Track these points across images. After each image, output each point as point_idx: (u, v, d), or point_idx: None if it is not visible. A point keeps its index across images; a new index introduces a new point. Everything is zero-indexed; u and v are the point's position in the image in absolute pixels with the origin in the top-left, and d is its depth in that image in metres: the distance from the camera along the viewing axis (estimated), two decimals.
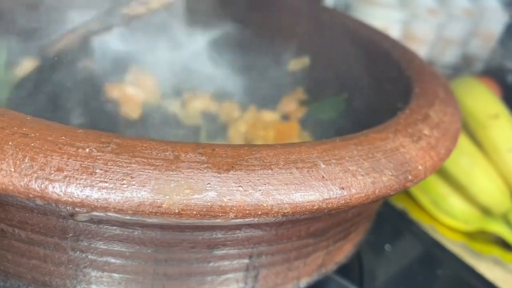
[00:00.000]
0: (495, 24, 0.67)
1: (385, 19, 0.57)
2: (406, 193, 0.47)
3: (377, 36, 0.37)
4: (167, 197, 0.16)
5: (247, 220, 0.17)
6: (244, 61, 0.43)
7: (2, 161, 0.15)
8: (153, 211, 0.16)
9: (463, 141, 0.44)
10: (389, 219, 0.44)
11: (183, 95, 0.41)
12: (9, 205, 0.18)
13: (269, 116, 0.39)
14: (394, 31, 0.58)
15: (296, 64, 0.42)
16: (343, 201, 0.19)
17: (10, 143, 0.16)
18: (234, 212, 0.17)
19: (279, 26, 0.43)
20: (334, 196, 0.18)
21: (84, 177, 0.16)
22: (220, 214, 0.17)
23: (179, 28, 0.39)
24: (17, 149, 0.16)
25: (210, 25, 0.42)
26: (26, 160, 0.16)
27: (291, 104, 0.41)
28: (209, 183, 0.16)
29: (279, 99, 0.42)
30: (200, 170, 0.17)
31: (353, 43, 0.38)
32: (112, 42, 0.36)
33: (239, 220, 0.17)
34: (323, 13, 0.42)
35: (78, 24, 0.36)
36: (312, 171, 0.18)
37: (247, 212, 0.17)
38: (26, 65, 0.34)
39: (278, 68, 0.43)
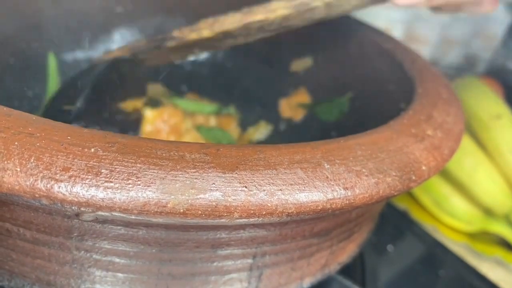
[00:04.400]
0: (498, 24, 0.67)
1: (388, 20, 0.57)
2: (408, 193, 0.47)
3: (380, 37, 0.37)
4: (172, 197, 0.16)
5: (252, 220, 0.17)
6: (245, 61, 0.43)
7: (8, 161, 0.16)
8: (158, 210, 0.16)
9: (466, 142, 0.43)
10: (391, 220, 0.44)
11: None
12: (15, 204, 0.18)
13: None
14: (396, 32, 0.58)
15: (299, 64, 0.42)
16: (347, 202, 0.19)
17: (16, 143, 0.16)
18: (238, 212, 0.17)
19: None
20: (338, 196, 0.18)
21: (89, 177, 0.16)
22: (225, 214, 0.17)
23: None
24: (23, 149, 0.16)
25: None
26: (32, 160, 0.16)
27: (293, 105, 0.41)
28: (214, 183, 0.17)
29: (281, 100, 0.43)
30: (205, 170, 0.17)
31: (355, 44, 0.38)
32: None
33: (243, 220, 0.17)
34: None
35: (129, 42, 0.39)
36: (316, 171, 0.18)
37: (252, 212, 0.17)
38: None
39: (280, 69, 0.43)
